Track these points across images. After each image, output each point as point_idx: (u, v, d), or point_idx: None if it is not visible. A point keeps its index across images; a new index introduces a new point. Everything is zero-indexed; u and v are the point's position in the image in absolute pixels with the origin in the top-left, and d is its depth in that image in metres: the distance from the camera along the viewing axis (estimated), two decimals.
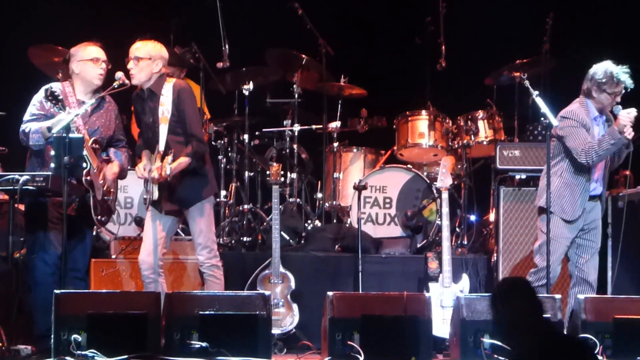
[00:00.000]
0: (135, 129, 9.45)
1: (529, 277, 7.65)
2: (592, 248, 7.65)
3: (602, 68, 7.51)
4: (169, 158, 7.13)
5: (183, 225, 8.09)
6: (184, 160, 7.26)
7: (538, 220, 7.72)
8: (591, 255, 7.64)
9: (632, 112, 7.42)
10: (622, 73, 7.48)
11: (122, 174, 7.50)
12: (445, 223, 8.16)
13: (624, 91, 7.52)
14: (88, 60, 7.36)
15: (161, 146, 7.26)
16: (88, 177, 7.18)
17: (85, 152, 7.09)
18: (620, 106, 7.52)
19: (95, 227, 7.75)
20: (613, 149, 7.45)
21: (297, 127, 9.64)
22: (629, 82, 7.50)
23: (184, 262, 8.35)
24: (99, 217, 7.32)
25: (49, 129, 6.97)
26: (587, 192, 7.56)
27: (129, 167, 7.75)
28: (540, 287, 7.51)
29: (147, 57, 7.32)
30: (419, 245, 9.10)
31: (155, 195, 7.29)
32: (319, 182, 9.84)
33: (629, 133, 7.39)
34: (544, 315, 4.80)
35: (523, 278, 5.07)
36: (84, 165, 7.11)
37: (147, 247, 7.39)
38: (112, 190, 7.41)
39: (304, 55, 9.78)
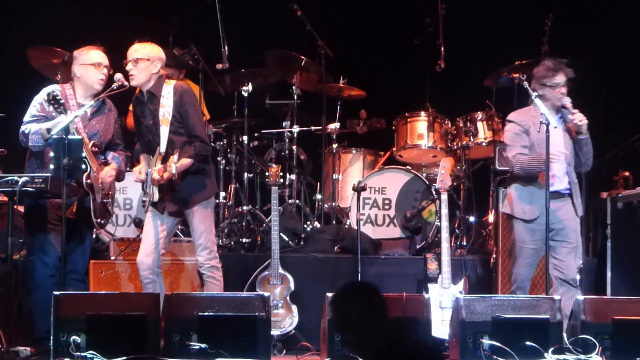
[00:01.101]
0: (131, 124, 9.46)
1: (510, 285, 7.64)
2: (566, 248, 7.52)
3: (540, 65, 7.54)
4: (175, 157, 7.12)
5: (182, 226, 8.09)
6: (186, 161, 7.27)
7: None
8: (566, 254, 7.51)
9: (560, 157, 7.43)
10: (557, 63, 7.48)
11: (119, 177, 7.51)
12: (445, 224, 8.15)
13: (568, 82, 7.49)
14: (90, 64, 7.36)
15: (162, 148, 7.27)
16: (88, 180, 7.18)
17: (85, 155, 7.10)
18: (568, 98, 7.49)
19: (94, 229, 7.74)
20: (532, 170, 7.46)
21: (296, 129, 9.65)
22: (567, 71, 7.49)
23: (182, 264, 8.34)
24: (99, 219, 7.33)
25: (49, 130, 6.98)
26: (545, 190, 7.46)
27: (127, 169, 7.75)
28: (516, 291, 7.50)
29: (146, 58, 7.33)
30: (418, 247, 9.09)
31: (156, 197, 7.29)
32: (318, 183, 9.84)
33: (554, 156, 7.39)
34: (390, 318, 4.82)
35: (368, 282, 5.12)
36: (84, 167, 7.12)
37: (146, 248, 7.39)
38: (110, 193, 7.42)
39: (303, 57, 9.78)
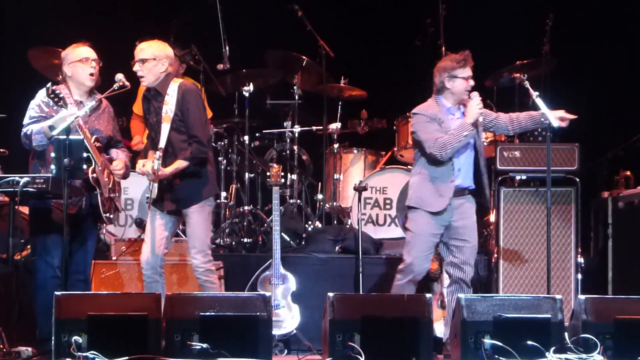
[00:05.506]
0: (136, 129, 9.48)
1: (397, 273, 7.59)
2: (466, 247, 7.50)
3: (445, 58, 7.69)
4: (159, 154, 7.15)
5: (183, 226, 8.09)
6: (181, 164, 7.26)
7: (407, 220, 7.65)
8: (467, 255, 7.50)
9: (476, 97, 7.41)
10: (465, 54, 7.51)
11: (126, 172, 7.50)
12: None
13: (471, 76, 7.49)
14: (77, 61, 7.33)
15: (161, 143, 7.26)
16: (94, 175, 7.17)
17: (89, 150, 7.09)
18: (476, 92, 7.46)
19: (104, 224, 7.71)
20: (466, 140, 7.39)
21: (297, 129, 9.66)
22: (471, 63, 7.50)
23: (186, 264, 8.33)
24: (107, 214, 7.32)
25: (51, 127, 6.98)
26: (452, 185, 7.44)
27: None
28: (406, 283, 7.48)
29: (152, 58, 7.31)
30: None
31: (154, 193, 7.30)
32: (320, 183, 9.84)
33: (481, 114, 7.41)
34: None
35: None
36: (88, 163, 7.10)
37: (148, 247, 7.39)
38: (117, 187, 7.42)
39: (304, 57, 9.79)
